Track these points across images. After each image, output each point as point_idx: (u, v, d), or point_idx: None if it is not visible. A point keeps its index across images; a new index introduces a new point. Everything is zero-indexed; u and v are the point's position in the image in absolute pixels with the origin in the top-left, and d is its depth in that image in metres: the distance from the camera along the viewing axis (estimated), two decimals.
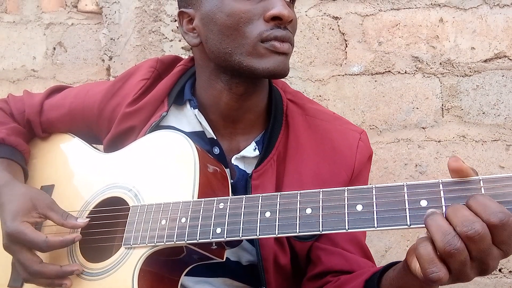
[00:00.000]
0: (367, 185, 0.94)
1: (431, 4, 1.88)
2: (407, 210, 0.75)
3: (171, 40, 2.04)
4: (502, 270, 1.86)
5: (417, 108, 1.89)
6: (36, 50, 2.23)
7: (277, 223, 0.84)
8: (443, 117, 1.88)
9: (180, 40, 2.02)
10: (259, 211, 0.87)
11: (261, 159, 1.12)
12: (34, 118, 1.29)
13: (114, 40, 2.08)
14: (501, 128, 1.84)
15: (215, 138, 1.13)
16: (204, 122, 1.14)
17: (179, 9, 1.15)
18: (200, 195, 0.97)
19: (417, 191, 0.76)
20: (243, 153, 1.14)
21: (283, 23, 1.03)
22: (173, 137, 1.06)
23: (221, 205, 0.91)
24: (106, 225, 1.06)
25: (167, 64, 1.26)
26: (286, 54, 1.04)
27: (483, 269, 0.71)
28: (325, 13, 1.95)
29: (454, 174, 0.74)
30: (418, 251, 0.72)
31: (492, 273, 1.85)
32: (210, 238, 0.90)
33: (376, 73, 1.91)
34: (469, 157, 1.85)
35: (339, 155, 1.15)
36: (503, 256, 0.71)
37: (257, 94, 1.14)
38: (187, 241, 0.91)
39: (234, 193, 1.08)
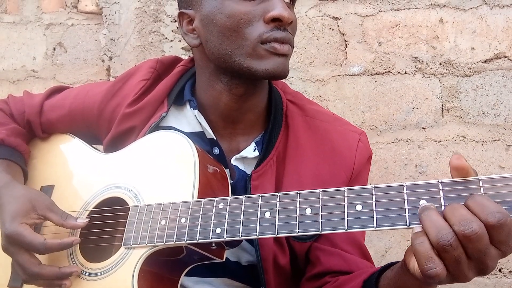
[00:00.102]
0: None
1: (431, 4, 1.88)
2: (406, 210, 0.75)
3: (171, 41, 2.04)
4: (502, 270, 1.86)
5: (417, 108, 1.89)
6: (36, 51, 2.23)
7: (276, 223, 0.84)
8: (443, 117, 1.88)
9: (180, 41, 2.03)
10: (259, 211, 0.87)
11: (260, 159, 1.12)
12: (34, 118, 1.29)
13: (114, 40, 2.08)
14: (501, 128, 1.84)
15: (215, 138, 1.13)
16: (204, 122, 1.14)
17: (179, 10, 1.15)
18: (200, 195, 0.97)
19: (416, 191, 0.76)
20: (242, 153, 1.14)
21: (283, 25, 1.03)
22: (173, 138, 1.06)
23: (221, 205, 0.91)
24: (106, 225, 1.06)
25: (167, 65, 1.26)
26: (286, 56, 1.05)
27: (482, 269, 0.71)
28: (325, 14, 1.95)
29: (455, 172, 0.74)
30: (414, 248, 0.72)
31: (492, 273, 1.85)
32: (210, 238, 0.90)
33: (376, 74, 1.91)
34: (469, 157, 1.85)
35: (338, 156, 1.15)
36: (501, 256, 0.71)
37: (257, 95, 1.14)
38: (187, 241, 0.91)
39: (233, 194, 1.09)
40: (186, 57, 1.28)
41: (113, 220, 1.05)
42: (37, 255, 1.03)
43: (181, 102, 1.19)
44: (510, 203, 0.70)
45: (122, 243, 0.99)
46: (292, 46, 1.07)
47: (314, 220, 0.82)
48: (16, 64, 2.26)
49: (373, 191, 0.79)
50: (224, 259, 1.02)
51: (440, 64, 1.87)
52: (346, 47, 1.94)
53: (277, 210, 0.85)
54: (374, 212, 0.77)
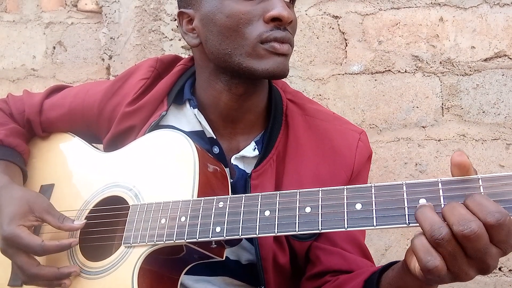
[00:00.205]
0: None
1: (431, 3, 1.88)
2: (406, 209, 0.75)
3: (171, 39, 2.04)
4: (502, 269, 1.86)
5: (417, 107, 1.89)
6: (36, 49, 2.23)
7: (276, 222, 0.84)
8: (443, 116, 1.88)
9: (180, 40, 2.03)
10: (259, 210, 0.87)
11: (260, 159, 1.12)
12: (34, 117, 1.29)
13: (114, 39, 2.08)
14: (501, 127, 1.84)
15: (215, 137, 1.13)
16: (203, 121, 1.14)
17: (179, 9, 1.15)
18: (199, 194, 0.97)
19: (416, 190, 0.76)
20: (242, 153, 1.14)
21: (283, 24, 1.03)
22: (173, 136, 1.06)
23: (221, 204, 0.91)
24: (106, 224, 1.06)
25: (167, 64, 1.26)
26: (285, 55, 1.04)
27: (483, 268, 0.71)
28: (325, 12, 1.95)
29: (456, 169, 0.74)
30: (413, 244, 0.72)
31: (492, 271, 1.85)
32: (210, 237, 0.90)
33: (376, 72, 1.91)
34: (469, 156, 1.84)
35: (338, 155, 1.15)
36: (502, 254, 0.71)
37: (257, 94, 1.14)
38: (187, 240, 0.91)
39: (233, 193, 1.08)
40: (186, 56, 1.28)
41: (113, 219, 1.05)
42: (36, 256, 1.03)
43: (181, 101, 1.19)
44: (510, 202, 0.70)
45: (122, 242, 0.99)
46: (292, 46, 1.07)
47: (313, 218, 0.82)
48: (16, 63, 2.26)
49: (373, 189, 0.79)
50: (224, 258, 1.02)
51: (440, 63, 1.87)
52: (346, 45, 1.94)
53: (277, 208, 0.85)
54: (374, 210, 0.78)
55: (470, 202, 0.70)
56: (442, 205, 0.73)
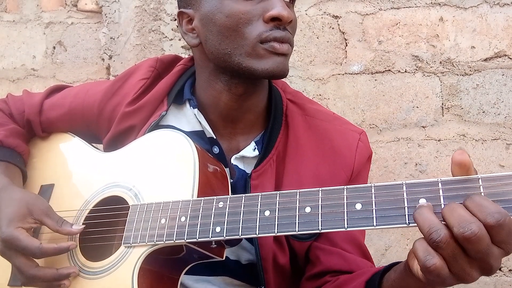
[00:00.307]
0: None
1: (431, 3, 1.88)
2: (406, 208, 0.75)
3: (171, 39, 2.04)
4: (502, 269, 1.86)
5: (417, 107, 1.89)
6: (36, 49, 2.23)
7: (276, 222, 0.84)
8: (443, 116, 1.88)
9: (180, 39, 2.03)
10: (259, 210, 0.87)
11: (260, 159, 1.12)
12: (34, 117, 1.29)
13: (114, 39, 2.08)
14: (501, 127, 1.84)
15: (215, 137, 1.13)
16: (203, 121, 1.14)
17: (178, 9, 1.15)
18: (199, 194, 0.97)
19: (416, 190, 0.76)
20: (242, 153, 1.14)
21: (283, 24, 1.02)
22: (173, 136, 1.06)
23: (221, 204, 0.91)
24: (106, 224, 1.06)
25: (167, 64, 1.26)
26: (285, 55, 1.04)
27: (486, 269, 0.71)
28: (325, 12, 1.95)
29: (457, 168, 0.73)
30: (413, 246, 0.73)
31: None
32: (210, 237, 0.90)
33: (376, 72, 1.91)
34: (469, 156, 1.85)
35: (338, 156, 1.15)
36: (504, 254, 0.70)
37: (256, 94, 1.14)
38: (187, 240, 0.91)
39: (233, 193, 1.08)
40: (186, 56, 1.28)
41: (113, 219, 1.05)
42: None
43: (181, 101, 1.19)
44: (510, 202, 0.70)
45: (122, 242, 0.99)
46: (291, 46, 1.06)
47: (313, 218, 0.82)
48: (16, 62, 2.26)
49: (373, 189, 0.79)
50: (224, 258, 1.02)
51: (440, 62, 1.87)
52: (346, 45, 1.94)
53: (277, 208, 0.85)
54: (374, 210, 0.77)
55: (470, 203, 0.70)
56: (442, 205, 0.73)
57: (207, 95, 1.15)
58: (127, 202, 1.04)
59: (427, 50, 1.88)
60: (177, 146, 1.04)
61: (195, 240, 0.91)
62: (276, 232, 0.84)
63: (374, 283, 0.93)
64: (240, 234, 0.87)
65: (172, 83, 1.21)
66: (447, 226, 0.70)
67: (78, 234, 1.07)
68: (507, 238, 0.68)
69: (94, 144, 1.28)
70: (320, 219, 0.81)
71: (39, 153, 1.30)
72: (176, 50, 2.02)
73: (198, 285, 1.16)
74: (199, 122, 1.15)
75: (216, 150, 1.13)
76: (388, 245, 1.90)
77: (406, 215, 0.75)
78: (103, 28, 2.10)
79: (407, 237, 1.89)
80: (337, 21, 1.94)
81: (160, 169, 1.04)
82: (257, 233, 0.86)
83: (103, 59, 2.12)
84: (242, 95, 1.11)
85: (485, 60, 1.85)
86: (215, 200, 0.92)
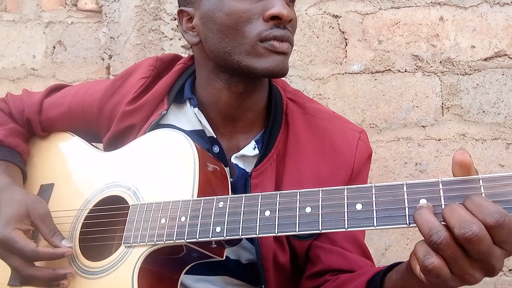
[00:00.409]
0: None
1: (431, 2, 1.88)
2: (406, 209, 0.75)
3: (171, 39, 2.04)
4: (502, 269, 1.86)
5: (417, 106, 1.89)
6: (36, 49, 2.23)
7: (276, 222, 0.84)
8: (443, 115, 1.88)
9: (180, 39, 2.02)
10: (259, 210, 0.87)
11: (260, 158, 1.12)
12: (33, 117, 1.29)
13: (114, 38, 2.08)
14: (501, 126, 1.84)
15: (215, 136, 1.13)
16: (204, 120, 1.14)
17: (179, 7, 1.15)
18: (199, 194, 0.97)
19: (416, 190, 0.76)
20: (242, 152, 1.14)
21: (282, 23, 1.02)
22: (173, 136, 1.06)
23: (221, 204, 0.91)
24: (106, 223, 1.06)
25: (167, 63, 1.26)
26: (285, 54, 1.04)
27: (488, 270, 0.70)
28: (325, 12, 1.95)
29: (457, 167, 0.73)
30: (415, 248, 0.73)
31: None
32: (210, 237, 0.89)
33: (376, 72, 1.91)
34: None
35: (338, 154, 1.15)
36: (506, 255, 0.70)
37: (256, 93, 1.14)
38: (187, 240, 0.91)
39: (233, 192, 1.08)
40: (186, 56, 1.27)
41: (113, 219, 1.05)
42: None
43: (181, 100, 1.19)
44: (511, 203, 0.70)
45: (122, 241, 0.99)
46: (291, 44, 1.06)
47: (314, 219, 0.82)
48: (16, 62, 2.25)
49: (373, 190, 0.79)
50: (224, 258, 1.02)
51: (440, 62, 1.87)
52: (346, 45, 1.94)
53: (277, 208, 0.85)
54: (374, 211, 0.77)
55: (469, 204, 0.69)
56: (443, 206, 0.73)
57: (207, 93, 1.14)
58: (127, 202, 1.04)
59: (427, 49, 1.88)
60: (177, 146, 1.04)
61: (195, 240, 0.91)
62: (276, 232, 0.84)
63: (375, 283, 0.93)
64: (240, 234, 0.87)
65: (172, 82, 1.21)
66: (448, 227, 0.69)
67: (78, 235, 1.07)
68: (508, 238, 0.68)
69: (94, 144, 1.27)
70: (320, 219, 0.81)
71: (39, 153, 1.30)
72: (176, 49, 2.02)
73: (198, 284, 1.16)
74: (199, 121, 1.15)
75: (216, 149, 1.13)
76: (388, 244, 1.90)
77: (407, 216, 0.75)
78: (103, 28, 2.10)
79: (407, 237, 1.89)
80: (337, 21, 1.94)
81: (160, 169, 1.04)
82: (257, 233, 0.86)
83: (103, 59, 2.12)
84: (242, 94, 1.11)
85: (485, 59, 1.85)
86: (215, 200, 0.92)
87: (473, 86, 1.86)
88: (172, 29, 2.03)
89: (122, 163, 1.12)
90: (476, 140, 1.85)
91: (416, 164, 1.89)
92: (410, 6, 1.90)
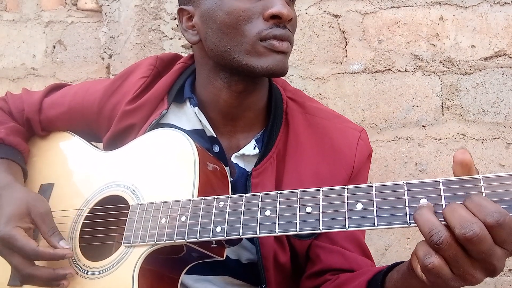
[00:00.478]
0: (366, 183, 0.94)
1: (431, 2, 1.88)
2: (407, 208, 0.75)
3: (171, 38, 2.03)
4: (503, 269, 1.86)
5: (417, 106, 1.89)
6: (36, 48, 2.23)
7: (277, 222, 0.84)
8: (443, 115, 1.87)
9: (180, 38, 2.02)
10: (259, 209, 0.87)
11: (260, 157, 1.12)
12: (33, 116, 1.29)
13: (114, 38, 2.08)
14: (501, 126, 1.84)
15: (215, 136, 1.13)
16: (204, 120, 1.14)
17: (179, 6, 1.15)
18: (200, 194, 0.97)
19: (417, 190, 0.76)
20: (242, 151, 1.14)
21: (283, 22, 1.02)
22: (173, 135, 1.06)
23: (221, 204, 0.91)
24: (106, 223, 1.06)
25: (167, 62, 1.26)
26: (285, 53, 1.04)
27: (490, 270, 0.70)
28: (325, 11, 1.94)
29: (458, 167, 0.73)
30: (415, 248, 0.73)
31: None
32: (210, 236, 0.89)
33: (376, 71, 1.91)
34: None
35: (338, 154, 1.15)
36: (508, 255, 0.70)
37: (256, 92, 1.14)
38: (187, 240, 0.91)
39: (233, 191, 1.08)
40: (186, 55, 1.27)
41: (113, 219, 1.05)
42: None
43: (181, 100, 1.19)
44: (511, 202, 0.70)
45: (122, 241, 0.99)
46: (291, 44, 1.06)
47: (314, 218, 0.81)
48: (15, 62, 2.25)
49: (374, 189, 0.79)
50: (224, 257, 1.02)
51: (440, 62, 1.87)
52: (346, 44, 1.93)
53: (278, 208, 0.85)
54: (375, 210, 0.77)
55: (469, 204, 0.69)
56: (443, 205, 0.73)
57: (207, 92, 1.14)
58: (127, 202, 1.04)
59: (427, 49, 1.88)
60: (177, 145, 1.04)
61: (195, 240, 0.91)
62: (277, 232, 0.84)
63: (376, 282, 0.93)
64: (240, 234, 0.87)
65: (172, 82, 1.21)
66: (448, 226, 0.69)
67: (78, 234, 1.07)
68: (508, 238, 0.68)
69: (94, 143, 1.27)
70: (321, 219, 0.81)
71: (39, 152, 1.30)
72: (176, 49, 2.02)
73: (198, 284, 1.16)
74: (200, 120, 1.14)
75: (216, 148, 1.13)
76: (388, 244, 1.90)
77: (407, 215, 0.75)
78: (103, 27, 2.10)
79: (407, 237, 1.89)
80: (337, 20, 1.94)
81: (161, 169, 1.04)
82: (257, 233, 0.85)
83: (103, 58, 2.12)
84: (242, 93, 1.11)
85: (485, 59, 1.85)
86: (215, 199, 0.92)
87: (473, 85, 1.86)
88: (172, 28, 2.03)
89: (122, 163, 1.11)
90: (476, 139, 1.85)
91: (416, 163, 1.89)
92: (410, 6, 1.89)
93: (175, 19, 2.01)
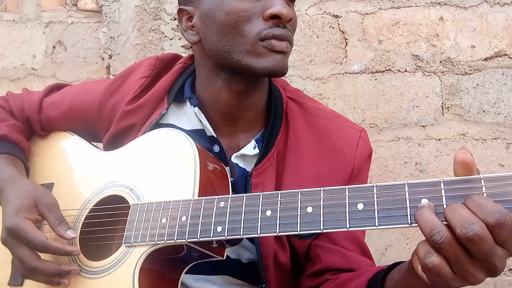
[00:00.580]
0: (366, 183, 0.94)
1: (431, 2, 1.88)
2: (408, 208, 0.75)
3: (171, 39, 2.04)
4: (504, 269, 1.86)
5: (417, 106, 1.89)
6: (36, 49, 2.23)
7: (278, 222, 0.84)
8: (443, 115, 1.88)
9: (180, 39, 2.02)
10: (260, 209, 0.87)
11: (261, 157, 1.12)
12: (33, 116, 1.29)
13: (114, 38, 2.08)
14: (501, 126, 1.84)
15: (215, 136, 1.13)
16: (204, 120, 1.14)
17: (179, 6, 1.15)
18: (200, 194, 0.97)
19: (418, 190, 0.76)
20: (242, 151, 1.14)
21: (282, 22, 1.02)
22: (173, 135, 1.06)
23: (222, 204, 0.91)
24: (106, 223, 1.06)
25: (167, 62, 1.26)
26: (284, 53, 1.04)
27: (490, 270, 0.70)
28: (325, 12, 1.95)
29: (459, 167, 0.73)
30: (416, 248, 0.73)
31: None
32: (211, 236, 0.89)
33: (376, 72, 1.91)
34: None
35: (338, 154, 1.15)
36: (508, 254, 0.70)
37: (256, 92, 1.14)
38: (188, 240, 0.91)
39: (233, 191, 1.08)
40: (186, 55, 1.27)
41: (113, 218, 1.05)
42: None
43: (181, 100, 1.19)
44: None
45: (123, 241, 0.99)
46: (291, 44, 1.06)
47: (315, 218, 0.81)
48: (16, 62, 2.25)
49: (375, 189, 0.79)
50: (224, 257, 1.02)
51: (440, 62, 1.87)
52: (346, 45, 1.94)
53: (278, 208, 0.85)
54: (376, 210, 0.77)
55: (469, 203, 0.69)
56: (444, 205, 0.73)
57: (207, 92, 1.14)
58: (127, 202, 1.04)
59: (427, 49, 1.88)
60: (178, 145, 1.04)
61: (196, 239, 0.91)
62: (277, 232, 0.84)
63: (376, 282, 0.93)
64: (241, 234, 0.87)
65: (172, 82, 1.21)
66: (449, 226, 0.69)
67: (79, 234, 1.07)
68: (509, 238, 0.68)
69: (93, 143, 1.27)
70: (321, 219, 0.81)
71: (39, 152, 1.30)
72: (176, 49, 2.02)
73: (198, 284, 1.16)
74: (200, 120, 1.14)
75: (216, 148, 1.13)
76: (388, 244, 1.90)
77: (408, 215, 0.75)
78: (103, 28, 2.10)
79: (407, 237, 1.89)
80: (337, 21, 1.94)
81: (161, 168, 1.04)
82: (258, 233, 0.85)
83: (103, 59, 2.12)
84: (242, 93, 1.11)
85: (485, 59, 1.85)
86: (216, 199, 0.92)
87: (473, 86, 1.86)
88: (172, 29, 2.03)
89: (122, 163, 1.12)
90: (476, 140, 1.85)
91: (416, 164, 1.89)
92: (410, 6, 1.90)
93: (175, 19, 2.01)
